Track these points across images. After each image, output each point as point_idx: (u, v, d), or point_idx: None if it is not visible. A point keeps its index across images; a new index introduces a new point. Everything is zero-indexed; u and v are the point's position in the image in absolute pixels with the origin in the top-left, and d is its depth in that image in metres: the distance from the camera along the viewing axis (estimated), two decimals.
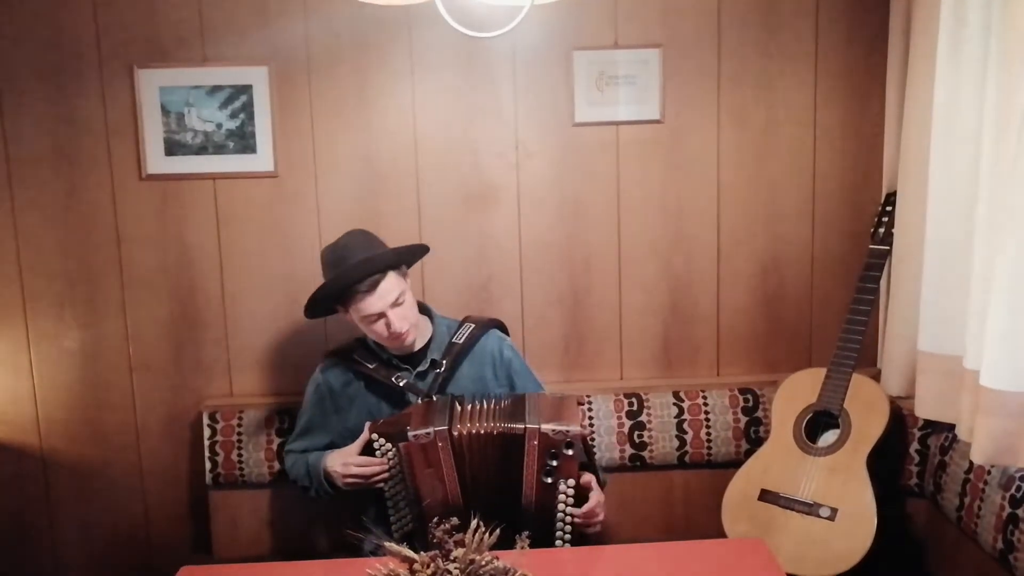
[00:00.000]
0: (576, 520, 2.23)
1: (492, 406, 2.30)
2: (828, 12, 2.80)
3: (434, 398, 2.37)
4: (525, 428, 2.20)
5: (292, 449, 2.57)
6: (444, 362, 2.43)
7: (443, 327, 2.52)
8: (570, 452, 2.19)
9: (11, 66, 2.73)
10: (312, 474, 2.44)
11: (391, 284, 2.31)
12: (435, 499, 2.21)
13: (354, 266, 2.30)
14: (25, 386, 2.89)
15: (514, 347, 2.57)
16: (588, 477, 2.28)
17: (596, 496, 2.27)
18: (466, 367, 2.48)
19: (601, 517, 2.28)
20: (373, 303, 2.30)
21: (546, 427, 2.18)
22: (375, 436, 2.31)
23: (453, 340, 2.48)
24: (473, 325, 2.53)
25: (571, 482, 2.21)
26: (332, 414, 2.51)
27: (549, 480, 2.20)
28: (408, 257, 2.45)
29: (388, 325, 2.32)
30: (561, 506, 2.22)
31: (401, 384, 2.41)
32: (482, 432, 2.23)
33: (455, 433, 2.21)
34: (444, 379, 2.43)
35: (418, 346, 2.46)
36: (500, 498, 2.21)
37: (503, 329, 2.62)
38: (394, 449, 2.28)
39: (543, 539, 2.22)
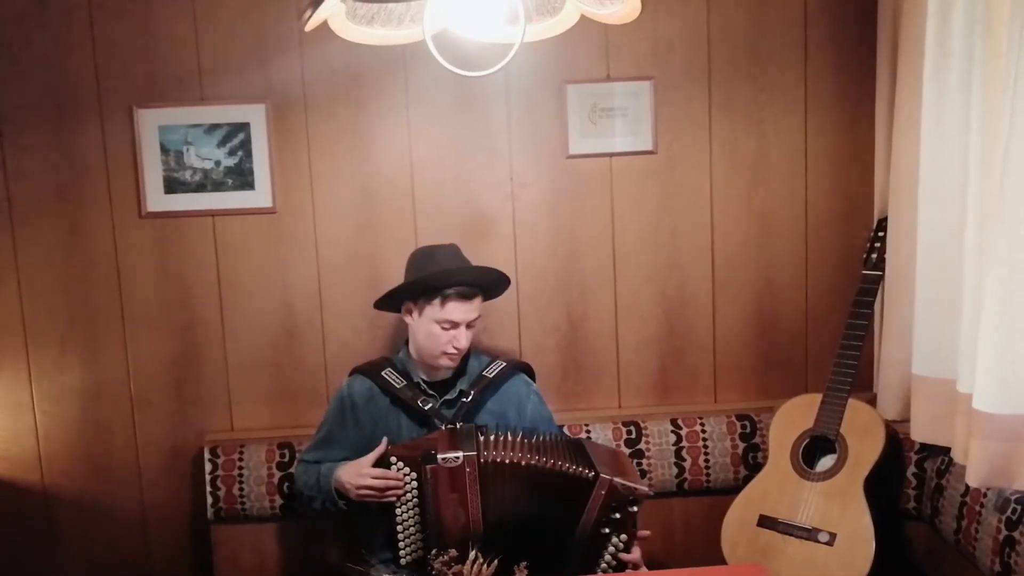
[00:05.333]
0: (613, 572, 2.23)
1: (535, 440, 2.30)
2: (816, 43, 2.84)
3: (458, 426, 2.38)
4: (597, 476, 2.19)
5: (305, 459, 2.58)
6: (472, 391, 2.46)
7: (474, 361, 2.56)
8: (634, 509, 2.19)
9: (13, 106, 2.77)
10: (322, 484, 2.45)
11: (478, 304, 2.44)
12: (455, 525, 2.20)
13: (478, 268, 2.43)
14: (27, 422, 2.90)
15: (539, 394, 2.60)
16: (644, 533, 2.27)
17: (637, 551, 2.26)
18: (492, 402, 2.50)
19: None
20: (459, 311, 2.38)
21: (618, 480, 2.18)
22: (394, 459, 2.30)
23: (484, 373, 2.51)
24: (504, 363, 2.56)
25: (623, 537, 2.21)
26: (352, 428, 2.51)
27: (606, 531, 2.20)
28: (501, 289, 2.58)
29: (454, 339, 2.38)
30: (608, 556, 2.21)
31: (426, 408, 2.43)
32: (527, 464, 2.22)
33: (483, 460, 2.22)
34: (470, 409, 2.45)
35: (449, 374, 2.50)
36: (524, 530, 2.20)
37: (530, 374, 2.65)
38: (413, 473, 2.28)
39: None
